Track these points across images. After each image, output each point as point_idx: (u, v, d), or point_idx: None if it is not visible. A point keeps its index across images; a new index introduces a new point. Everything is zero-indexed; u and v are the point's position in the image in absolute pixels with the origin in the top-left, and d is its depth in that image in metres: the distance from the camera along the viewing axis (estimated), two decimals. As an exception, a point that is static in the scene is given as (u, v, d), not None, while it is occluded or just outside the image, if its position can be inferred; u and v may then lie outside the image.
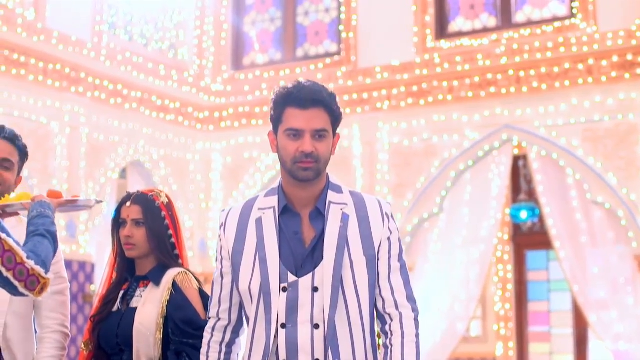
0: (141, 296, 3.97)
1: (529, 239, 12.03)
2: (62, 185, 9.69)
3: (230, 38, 12.00)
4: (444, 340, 10.29)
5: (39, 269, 3.16)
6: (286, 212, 3.31)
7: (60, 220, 9.64)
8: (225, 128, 11.58)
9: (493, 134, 10.31)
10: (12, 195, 3.84)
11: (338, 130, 3.38)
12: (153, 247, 4.00)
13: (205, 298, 3.83)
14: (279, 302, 3.22)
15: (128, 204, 4.07)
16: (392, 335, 3.29)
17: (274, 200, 3.33)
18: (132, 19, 11.06)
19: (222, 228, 3.39)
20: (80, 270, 9.73)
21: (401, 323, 3.29)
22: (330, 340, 3.20)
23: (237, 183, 11.41)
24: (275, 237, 3.27)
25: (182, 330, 3.84)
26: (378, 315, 3.37)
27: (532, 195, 11.04)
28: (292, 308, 3.22)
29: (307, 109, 3.21)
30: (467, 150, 10.39)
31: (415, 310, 3.35)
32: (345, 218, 3.28)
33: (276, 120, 3.28)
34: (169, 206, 4.07)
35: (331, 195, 3.33)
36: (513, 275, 12.02)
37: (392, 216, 3.39)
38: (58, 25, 9.86)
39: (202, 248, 11.36)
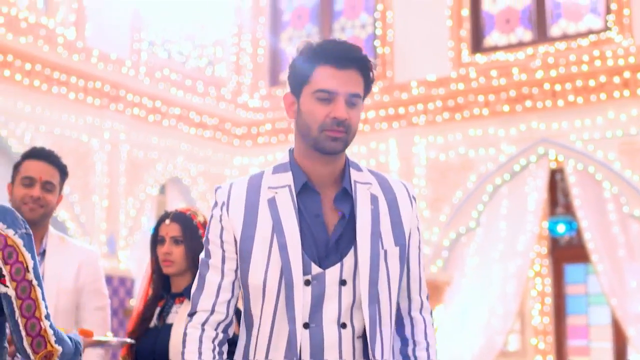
0: (177, 312, 4.11)
1: (567, 252, 12.03)
2: (102, 201, 9.87)
3: (267, 54, 12.14)
4: (482, 354, 10.32)
5: (52, 335, 2.95)
6: (304, 190, 2.85)
7: (101, 236, 9.82)
8: (263, 144, 11.71)
9: (529, 148, 10.33)
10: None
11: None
12: (190, 265, 4.13)
13: (238, 315, 3.96)
14: (303, 297, 2.78)
15: (167, 221, 4.21)
16: (415, 346, 2.98)
17: (287, 178, 2.86)
18: (170, 36, 11.22)
19: (224, 207, 2.86)
20: (120, 286, 9.88)
21: (425, 333, 3.00)
22: (362, 341, 2.84)
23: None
24: (295, 219, 2.80)
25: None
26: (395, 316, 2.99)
27: (569, 209, 11.04)
28: (316, 305, 2.80)
29: (343, 68, 2.80)
30: (504, 165, 10.42)
31: (432, 313, 3.06)
32: (375, 200, 2.88)
33: (300, 79, 2.84)
34: (205, 225, 4.19)
35: (354, 174, 2.92)
36: (552, 289, 12.02)
37: (416, 200, 3.01)
38: (98, 44, 10.04)
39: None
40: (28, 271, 2.89)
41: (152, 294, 4.21)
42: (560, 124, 10.17)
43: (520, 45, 10.71)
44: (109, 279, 8.88)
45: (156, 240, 4.24)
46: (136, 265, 10.46)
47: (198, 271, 2.92)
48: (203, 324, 2.89)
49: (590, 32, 10.44)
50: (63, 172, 4.41)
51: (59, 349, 2.96)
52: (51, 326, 2.95)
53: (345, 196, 2.86)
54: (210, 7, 11.71)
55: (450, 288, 10.49)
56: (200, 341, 2.89)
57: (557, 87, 10.19)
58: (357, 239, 2.81)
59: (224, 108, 11.62)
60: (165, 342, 4.03)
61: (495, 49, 10.83)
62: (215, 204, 2.88)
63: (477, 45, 10.90)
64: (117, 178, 10.14)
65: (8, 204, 3.45)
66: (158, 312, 4.16)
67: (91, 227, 9.76)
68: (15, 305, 2.90)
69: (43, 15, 9.61)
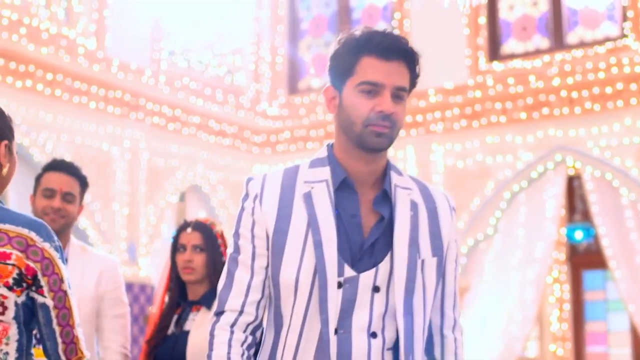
0: (194, 320, 4.24)
1: (585, 258, 12.06)
2: (122, 209, 10.02)
3: (286, 63, 12.29)
4: (501, 360, 10.41)
5: (82, 342, 3.12)
6: (342, 188, 2.72)
7: (122, 243, 9.96)
8: (282, 152, 11.86)
9: (547, 155, 10.42)
10: None
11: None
12: (209, 273, 4.28)
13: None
14: (335, 300, 2.63)
15: (189, 230, 4.36)
16: None
17: (325, 172, 2.73)
18: (190, 45, 11.37)
19: (257, 200, 2.71)
20: (140, 293, 10.01)
21: (456, 354, 2.86)
22: (392, 353, 2.69)
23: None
24: (332, 217, 2.65)
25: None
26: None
27: (587, 215, 11.10)
28: (347, 310, 2.65)
29: (389, 60, 2.66)
30: (521, 172, 10.50)
31: (462, 332, 2.91)
32: (414, 206, 2.73)
33: (344, 71, 2.70)
34: (222, 235, 4.35)
35: (395, 177, 2.77)
36: (570, 295, 12.07)
37: (455, 211, 2.88)
38: (118, 54, 10.19)
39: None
40: (63, 282, 3.05)
41: (168, 302, 4.35)
42: (578, 131, 10.25)
43: (537, 52, 10.81)
44: (129, 286, 9.04)
45: (176, 248, 4.38)
46: (156, 273, 10.58)
47: (226, 267, 2.77)
48: (232, 326, 2.72)
49: (607, 39, 10.52)
50: (83, 182, 4.54)
51: (88, 355, 3.11)
52: (81, 333, 3.11)
53: (385, 199, 2.73)
54: (230, 16, 11.83)
55: (468, 294, 10.57)
56: (230, 345, 2.70)
57: (574, 95, 10.27)
58: (394, 244, 2.67)
59: (243, 116, 11.77)
60: (183, 349, 4.16)
61: (512, 56, 10.93)
62: (247, 195, 2.75)
63: (494, 53, 11.00)
64: (138, 186, 10.29)
65: (31, 215, 3.60)
66: (175, 319, 4.29)
67: (112, 235, 9.90)
68: (52, 314, 3.05)
69: (64, 25, 9.75)
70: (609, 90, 10.12)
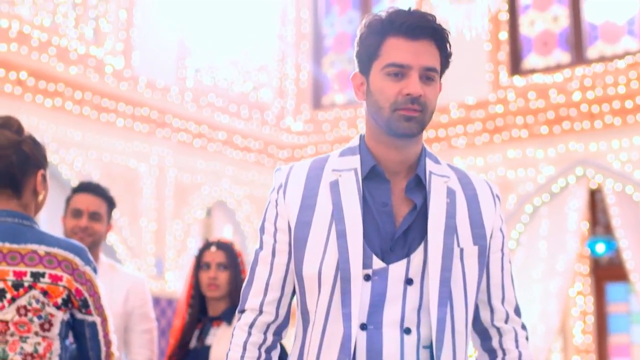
0: (215, 335, 4.49)
1: (608, 271, 12.18)
2: (150, 224, 10.28)
3: (310, 79, 12.55)
4: (525, 372, 10.53)
5: (115, 346, 3.46)
6: (372, 176, 2.59)
7: (149, 258, 10.21)
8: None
9: (568, 169, 10.57)
10: None
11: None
12: (231, 290, 4.54)
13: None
14: (361, 293, 2.49)
15: (213, 249, 4.63)
16: (505, 354, 2.69)
17: (354, 161, 2.60)
18: (215, 63, 11.61)
19: (281, 190, 2.61)
20: (168, 307, 10.25)
21: (517, 341, 2.69)
22: (430, 351, 2.53)
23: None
24: (359, 206, 2.52)
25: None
26: (477, 328, 2.72)
27: (609, 228, 11.23)
28: (376, 304, 2.50)
29: (416, 39, 2.53)
30: (543, 185, 10.67)
31: (525, 327, 2.74)
32: (451, 193, 2.59)
33: (369, 55, 2.58)
34: (241, 254, 4.63)
35: (430, 164, 2.63)
36: (593, 308, 12.19)
37: (500, 200, 2.71)
38: (145, 72, 10.45)
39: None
40: (101, 298, 3.39)
41: (190, 318, 4.61)
42: (598, 145, 10.40)
43: (558, 67, 10.98)
44: (156, 301, 9.28)
45: (199, 265, 4.64)
46: (183, 287, 10.84)
47: (251, 263, 2.69)
48: (250, 327, 2.64)
49: (627, 53, 10.68)
50: (110, 202, 4.83)
51: (117, 354, 3.47)
52: (115, 338, 3.49)
53: (418, 186, 2.59)
54: (254, 33, 12.08)
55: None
56: (245, 348, 2.63)
57: (595, 109, 10.41)
58: (428, 232, 2.53)
59: (267, 132, 12.01)
60: None
61: (533, 71, 11.12)
62: (273, 187, 2.65)
63: (515, 68, 11.19)
64: (164, 202, 10.54)
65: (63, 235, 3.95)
66: (197, 334, 4.55)
67: (139, 250, 10.15)
68: (99, 329, 3.41)
69: (92, 45, 10.03)
70: (629, 104, 10.26)
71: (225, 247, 4.67)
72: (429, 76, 2.54)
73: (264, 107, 12.14)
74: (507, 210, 10.76)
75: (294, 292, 2.67)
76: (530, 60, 11.26)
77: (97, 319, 3.37)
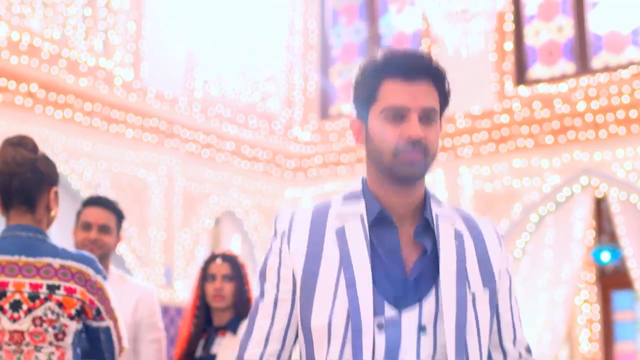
0: (220, 345, 4.67)
1: (615, 279, 12.28)
2: (161, 233, 10.45)
3: (317, 89, 12.72)
4: (531, 381, 10.63)
5: (125, 338, 3.73)
6: (378, 222, 2.49)
7: (158, 268, 10.36)
8: (314, 177, 12.29)
9: (573, 178, 10.72)
10: None
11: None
12: (236, 300, 4.73)
13: None
14: (374, 345, 2.38)
15: (218, 261, 4.83)
16: None
17: (359, 206, 2.52)
18: (223, 74, 11.77)
19: (284, 238, 2.53)
20: (177, 316, 10.39)
21: None
22: None
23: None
24: (367, 253, 2.43)
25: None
26: None
27: (615, 237, 11.29)
28: (391, 354, 2.40)
29: (413, 80, 2.46)
30: (548, 195, 10.81)
31: None
32: (459, 236, 2.52)
33: (366, 98, 2.52)
34: (244, 266, 4.80)
35: (435, 207, 2.55)
36: (600, 316, 12.29)
37: (504, 238, 2.68)
38: (153, 83, 10.63)
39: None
40: (111, 302, 3.64)
41: (195, 328, 4.80)
42: (603, 155, 10.55)
43: (563, 77, 11.13)
44: (165, 310, 9.44)
45: (205, 277, 4.82)
46: (192, 296, 11.00)
47: (250, 311, 2.62)
48: None
49: (631, 63, 10.82)
50: (119, 215, 5.00)
51: (127, 345, 3.76)
52: (125, 331, 3.78)
53: (426, 230, 2.51)
54: (262, 44, 12.25)
55: (497, 316, 10.84)
56: None
57: (599, 119, 10.56)
58: (440, 278, 2.45)
59: (275, 142, 12.18)
60: None
61: (538, 81, 11.27)
62: (275, 234, 2.57)
63: (520, 78, 11.34)
64: (173, 211, 10.70)
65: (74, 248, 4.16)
66: (203, 344, 4.72)
67: (148, 259, 10.31)
68: (113, 332, 3.66)
69: (102, 57, 10.21)
70: (633, 113, 10.40)
71: (231, 260, 4.87)
72: (429, 117, 2.47)
73: (271, 117, 12.31)
74: (513, 219, 10.90)
75: (294, 344, 2.60)
76: (536, 70, 11.41)
77: (110, 323, 3.62)
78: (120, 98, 10.20)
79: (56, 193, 3.61)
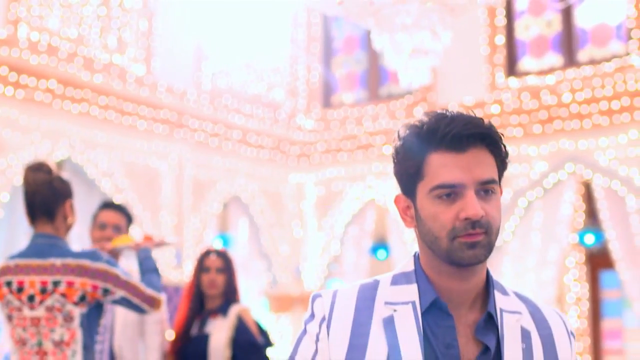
0: (213, 325, 5.67)
1: (602, 260, 12.59)
2: (172, 218, 11.18)
3: (320, 79, 13.46)
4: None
5: (154, 293, 4.68)
6: (432, 311, 2.23)
7: (169, 250, 11.10)
8: (317, 163, 13.05)
9: (559, 165, 11.35)
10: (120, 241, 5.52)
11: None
12: (226, 289, 5.73)
13: (259, 326, 5.60)
14: None
15: (213, 256, 5.84)
16: None
17: (411, 291, 2.25)
18: (230, 65, 12.45)
19: (324, 324, 2.25)
20: (186, 294, 11.21)
21: None
22: None
23: (327, 211, 12.88)
24: (419, 348, 2.16)
25: (246, 349, 5.52)
26: None
27: (598, 221, 11.75)
28: None
29: (464, 150, 2.18)
30: (536, 181, 11.46)
31: None
32: (526, 336, 2.25)
33: (412, 176, 2.24)
34: (233, 261, 5.80)
35: (499, 298, 2.28)
36: (589, 294, 12.71)
37: (575, 337, 2.38)
38: (164, 76, 11.34)
39: (297, 273, 12.81)
40: (119, 277, 4.58)
41: (190, 311, 5.80)
42: (588, 143, 11.19)
43: (551, 70, 11.80)
44: (176, 289, 10.29)
45: (201, 269, 5.83)
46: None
47: None
48: None
49: (614, 56, 11.43)
50: (129, 217, 5.95)
51: (160, 296, 4.70)
52: (151, 289, 4.69)
53: (488, 325, 2.25)
54: (267, 37, 12.92)
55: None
56: None
57: (584, 109, 11.20)
58: None
59: (280, 130, 12.92)
60: (205, 347, 5.61)
61: (527, 73, 11.94)
62: (312, 316, 2.28)
63: (511, 70, 12.04)
64: (183, 197, 11.43)
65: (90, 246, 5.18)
66: (199, 324, 5.71)
67: None
68: (130, 298, 4.60)
69: (115, 53, 10.93)
70: (615, 104, 11.02)
71: (223, 255, 5.87)
72: (487, 190, 2.20)
73: (276, 107, 13.02)
74: (503, 204, 11.47)
75: None
76: (525, 63, 12.09)
77: (123, 293, 4.60)
78: (133, 92, 10.90)
79: (71, 205, 4.57)
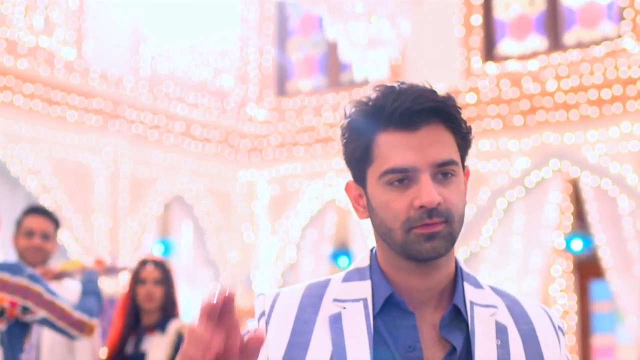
0: (150, 342, 6.04)
1: (592, 268, 12.70)
2: (106, 220, 11.45)
3: (274, 64, 13.78)
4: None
5: (84, 317, 5.03)
6: (390, 309, 2.22)
7: (104, 256, 11.34)
8: (270, 158, 13.36)
9: (542, 162, 11.66)
10: (69, 263, 5.91)
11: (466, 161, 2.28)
12: (164, 302, 6.10)
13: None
14: None
15: (150, 267, 6.20)
16: None
17: (363, 288, 2.24)
18: (172, 49, 12.74)
19: (262, 320, 2.26)
20: (122, 308, 11.47)
21: None
22: None
23: (282, 213, 13.17)
24: (368, 349, 2.14)
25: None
26: None
27: (586, 224, 12.00)
28: None
29: (417, 128, 2.15)
30: (517, 179, 11.76)
31: None
32: (502, 331, 2.22)
33: (360, 160, 2.24)
34: (172, 272, 6.18)
35: (470, 291, 2.26)
36: (577, 307, 13.05)
37: (564, 332, 2.36)
38: (97, 62, 11.60)
39: (247, 283, 13.08)
40: (42, 295, 4.92)
41: (125, 327, 6.16)
42: (575, 137, 11.50)
43: (533, 54, 12.17)
44: (111, 301, 10.53)
45: (136, 280, 6.19)
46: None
47: None
48: None
49: (605, 39, 11.77)
50: (57, 223, 6.30)
51: (93, 321, 5.05)
52: (79, 312, 5.04)
53: (456, 320, 2.22)
54: (214, 16, 13.18)
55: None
56: None
57: (570, 99, 11.54)
58: None
59: (228, 121, 13.24)
60: None
61: (507, 57, 12.32)
62: (258, 315, 2.28)
63: (488, 54, 12.41)
64: (119, 197, 11.71)
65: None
66: (134, 342, 6.05)
67: (93, 248, 11.23)
68: (52, 319, 4.93)
69: (42, 34, 11.16)
70: (606, 94, 11.35)
71: (161, 265, 6.23)
72: (445, 172, 2.17)
73: (224, 95, 13.36)
74: (480, 205, 11.90)
75: None
76: (505, 46, 12.47)
77: (44, 313, 4.96)
78: (62, 79, 11.15)
79: None
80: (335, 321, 2.18)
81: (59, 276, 5.62)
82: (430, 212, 2.10)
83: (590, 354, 13.28)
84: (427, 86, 2.19)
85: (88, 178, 11.47)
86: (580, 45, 12.00)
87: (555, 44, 12.19)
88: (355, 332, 2.16)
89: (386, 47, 6.80)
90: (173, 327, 6.05)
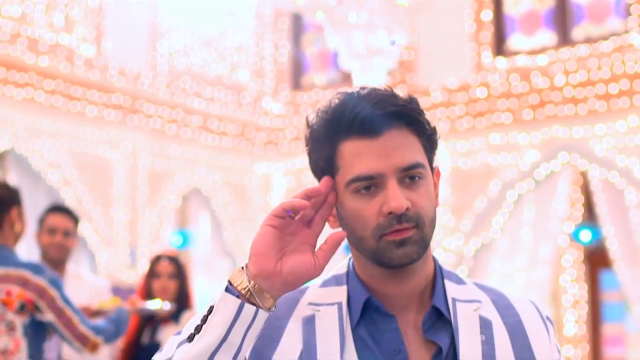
0: (165, 332, 6.37)
1: (602, 258, 12.70)
2: (125, 213, 11.77)
3: (289, 58, 14.07)
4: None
5: (89, 333, 5.33)
6: (370, 313, 2.23)
7: (122, 248, 11.69)
8: (285, 151, 13.65)
9: (552, 155, 11.91)
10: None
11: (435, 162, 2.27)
12: (178, 295, 6.45)
13: None
14: None
15: (164, 262, 6.56)
16: None
17: (339, 293, 2.26)
18: (189, 44, 13.02)
19: None
20: (141, 298, 11.79)
21: None
22: None
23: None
24: (337, 348, 2.16)
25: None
26: None
27: (595, 216, 12.20)
28: None
29: (379, 134, 2.15)
30: (527, 172, 12.00)
31: None
32: (486, 326, 2.22)
33: (326, 169, 2.24)
34: (185, 266, 6.55)
35: (451, 288, 2.28)
36: (588, 296, 13.08)
37: (553, 324, 2.35)
38: (116, 58, 11.90)
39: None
40: (55, 300, 5.27)
41: (142, 318, 6.56)
42: (583, 130, 11.76)
43: (543, 49, 12.43)
44: (130, 290, 10.80)
45: (152, 274, 6.54)
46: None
47: None
48: None
49: (613, 34, 12.02)
50: (77, 220, 6.67)
51: (98, 339, 5.31)
52: (88, 327, 5.31)
53: (439, 321, 2.24)
54: (230, 12, 13.45)
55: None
56: None
57: (579, 93, 11.80)
58: None
59: (244, 115, 13.53)
60: None
61: (517, 52, 12.57)
62: None
63: (499, 49, 12.67)
64: (138, 190, 12.03)
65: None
66: (150, 332, 6.42)
67: (112, 240, 11.60)
68: (57, 325, 5.23)
69: (62, 32, 11.44)
70: (613, 88, 11.60)
71: (175, 260, 6.59)
72: (412, 176, 2.17)
73: (240, 89, 13.63)
74: (490, 197, 12.17)
75: None
76: (514, 41, 12.72)
77: (51, 317, 5.24)
78: (82, 75, 11.43)
79: (19, 212, 5.22)
80: (308, 322, 2.19)
81: (97, 314, 5.95)
82: (400, 217, 2.11)
83: (601, 343, 13.35)
84: (388, 90, 2.20)
85: (107, 171, 11.75)
86: (588, 40, 12.24)
87: (564, 39, 12.44)
88: (327, 333, 2.17)
89: (384, 57, 7.12)
90: (186, 317, 6.34)
